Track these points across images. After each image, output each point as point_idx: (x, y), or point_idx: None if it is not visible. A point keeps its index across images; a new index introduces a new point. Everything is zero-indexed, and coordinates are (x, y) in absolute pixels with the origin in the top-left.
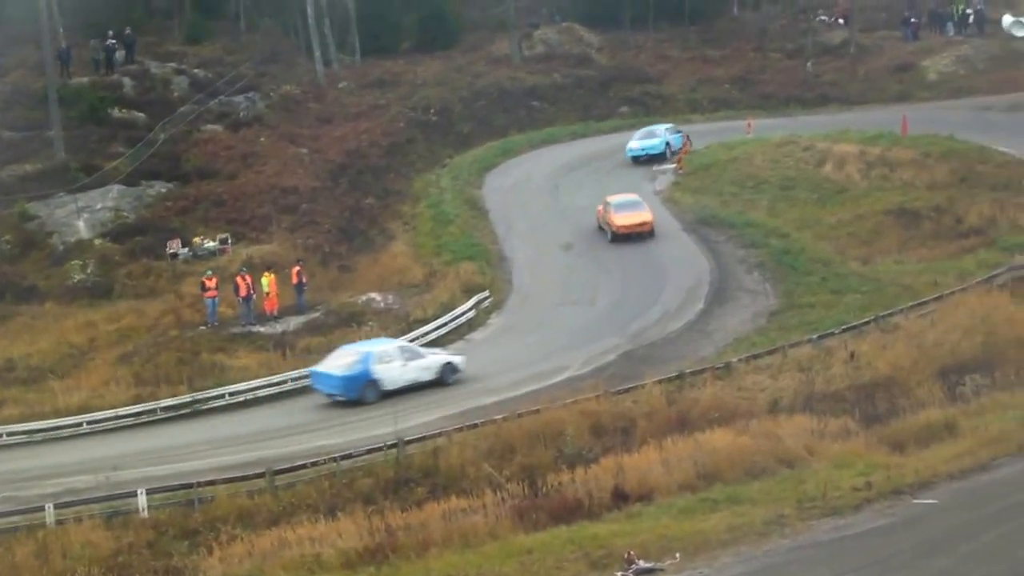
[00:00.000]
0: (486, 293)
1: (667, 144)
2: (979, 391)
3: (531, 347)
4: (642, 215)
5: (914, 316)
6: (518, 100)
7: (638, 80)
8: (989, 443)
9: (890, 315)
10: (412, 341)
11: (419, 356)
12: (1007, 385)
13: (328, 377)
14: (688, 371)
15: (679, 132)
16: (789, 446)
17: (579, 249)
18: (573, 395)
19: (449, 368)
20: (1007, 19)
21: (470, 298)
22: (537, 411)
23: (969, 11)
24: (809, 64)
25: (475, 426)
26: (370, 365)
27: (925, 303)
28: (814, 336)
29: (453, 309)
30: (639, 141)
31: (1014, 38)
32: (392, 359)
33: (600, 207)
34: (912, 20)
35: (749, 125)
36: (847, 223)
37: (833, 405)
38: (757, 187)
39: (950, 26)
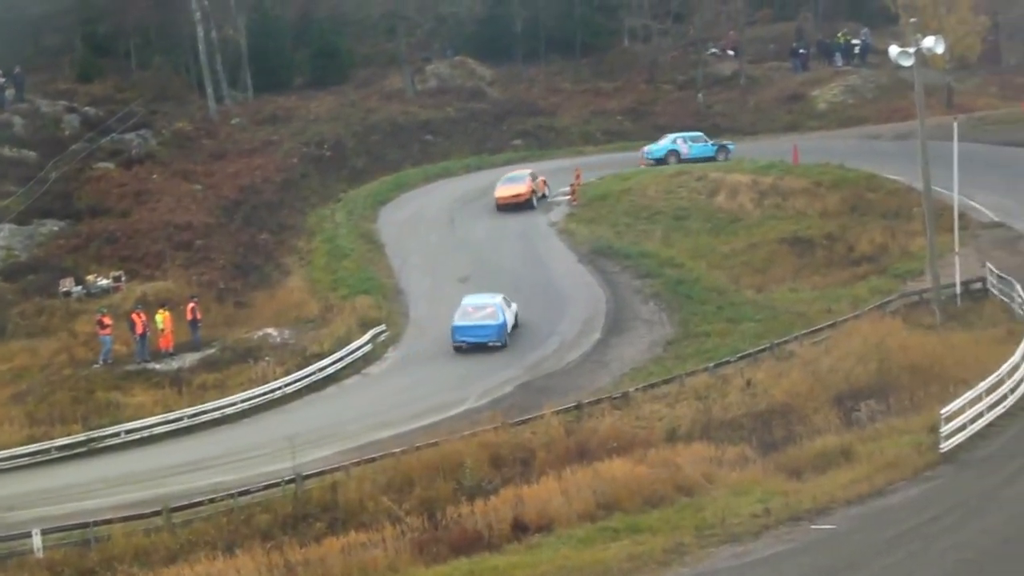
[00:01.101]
0: (382, 327)
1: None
2: (874, 417)
3: (429, 380)
4: (518, 187)
5: (809, 343)
6: (412, 134)
7: (531, 113)
8: (884, 468)
9: (785, 343)
10: (308, 376)
11: (510, 304)
12: (901, 410)
13: (482, 328)
14: (586, 401)
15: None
16: (687, 474)
17: (476, 281)
18: (471, 427)
19: (516, 315)
20: (894, 49)
21: (366, 332)
22: (436, 444)
23: (856, 42)
24: (700, 95)
25: (373, 460)
26: (504, 312)
27: (819, 330)
28: (710, 365)
29: (349, 343)
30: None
31: (901, 68)
32: (507, 306)
33: None
34: (801, 51)
35: (643, 157)
36: (741, 252)
37: (730, 433)
38: (651, 218)
39: (838, 57)
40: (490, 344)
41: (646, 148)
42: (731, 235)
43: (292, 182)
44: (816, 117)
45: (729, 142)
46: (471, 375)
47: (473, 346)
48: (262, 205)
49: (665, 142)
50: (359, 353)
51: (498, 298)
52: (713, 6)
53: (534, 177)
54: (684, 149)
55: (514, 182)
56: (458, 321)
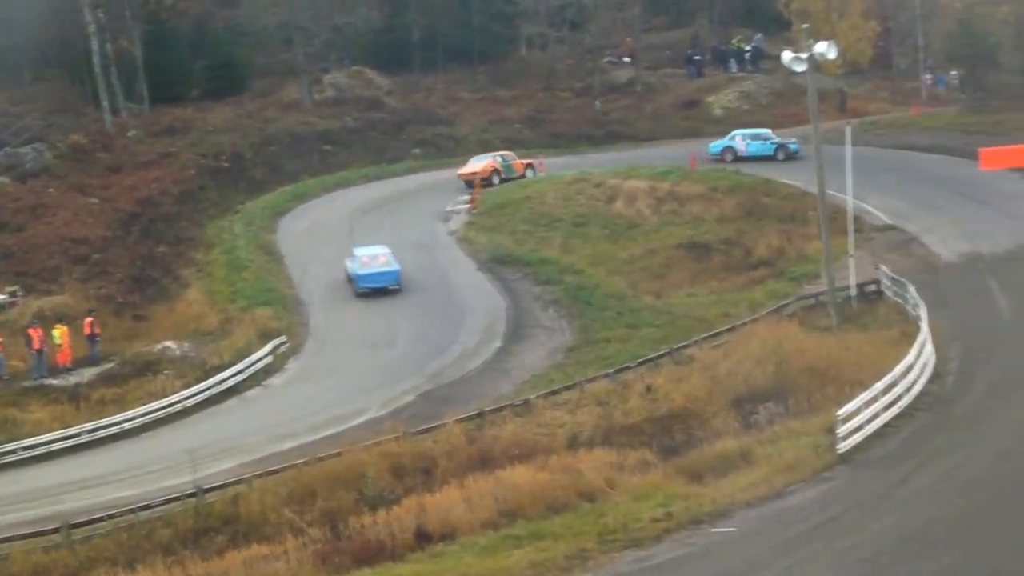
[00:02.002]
0: (283, 338)
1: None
2: (772, 419)
3: (330, 390)
4: (476, 167)
5: (708, 347)
6: (310, 145)
7: (430, 122)
8: (784, 470)
9: (684, 347)
10: (209, 389)
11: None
12: (799, 412)
13: (382, 275)
14: (488, 409)
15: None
16: (589, 480)
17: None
18: (373, 437)
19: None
20: (787, 55)
21: (266, 343)
22: (337, 454)
23: (749, 48)
24: (597, 103)
25: (275, 472)
26: (394, 258)
27: (718, 334)
28: (611, 371)
29: (250, 355)
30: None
31: (794, 73)
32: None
33: None
34: (696, 58)
35: (540, 164)
36: (639, 258)
37: (631, 438)
38: (550, 225)
39: (733, 63)
40: (390, 288)
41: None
42: (629, 241)
43: (190, 194)
44: (712, 123)
45: (792, 141)
46: (372, 385)
47: (375, 291)
48: (160, 218)
49: (726, 138)
50: (259, 365)
51: (386, 249)
52: (609, 14)
53: (507, 159)
54: (741, 146)
55: (478, 161)
56: (359, 271)
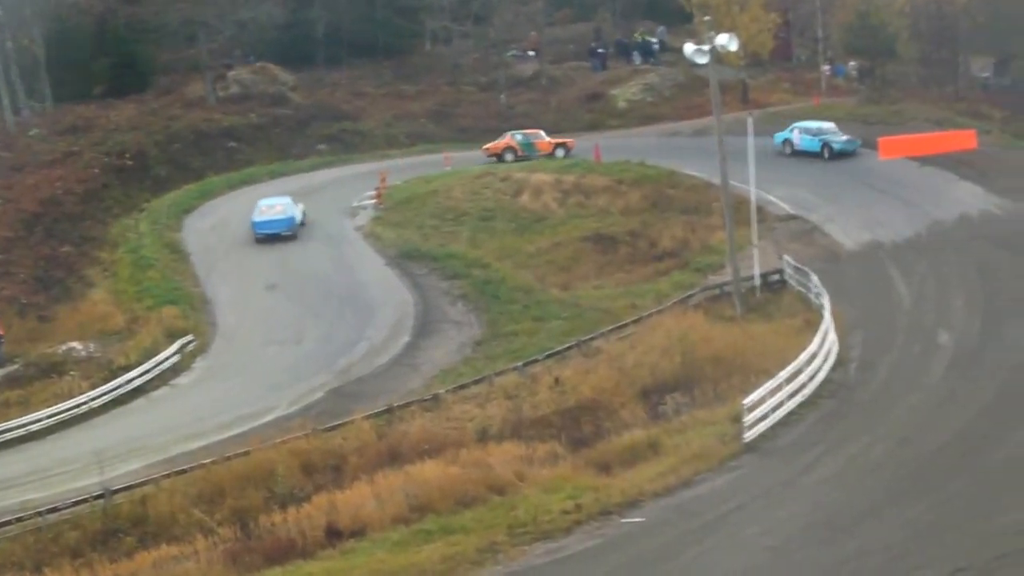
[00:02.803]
0: (190, 337)
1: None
2: (679, 409)
3: (238, 389)
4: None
5: (615, 339)
6: (215, 142)
7: (335, 118)
8: (691, 460)
9: (592, 339)
10: (115, 390)
11: (298, 203)
12: (705, 402)
13: (274, 223)
14: (396, 404)
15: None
16: (499, 473)
17: (283, 288)
18: (282, 435)
19: (305, 213)
20: (689, 47)
21: (174, 342)
22: (246, 453)
23: (652, 40)
24: (503, 97)
25: (184, 472)
26: (292, 209)
27: (625, 326)
28: (519, 364)
29: (157, 354)
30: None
31: (697, 65)
32: (295, 204)
33: None
34: (600, 51)
35: (447, 158)
36: (546, 251)
37: (541, 431)
38: (457, 219)
39: (636, 55)
40: (283, 234)
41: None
42: (536, 234)
43: (94, 193)
44: (616, 115)
45: (845, 138)
46: (281, 383)
47: (270, 237)
48: (63, 217)
49: (787, 129)
50: (167, 364)
51: (287, 199)
52: (513, 8)
53: (529, 137)
54: (796, 139)
55: (502, 138)
56: (256, 218)
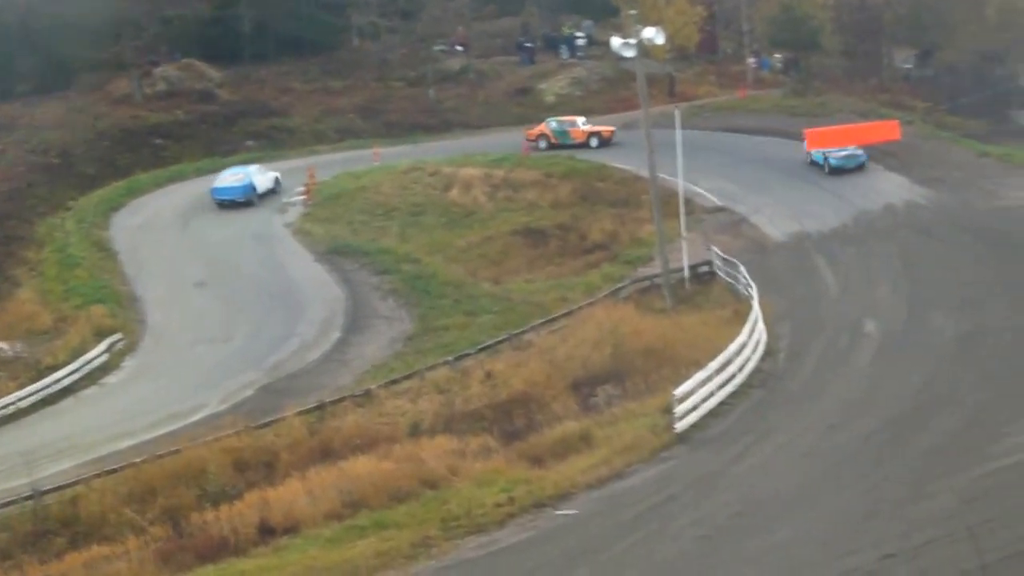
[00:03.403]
0: (118, 335)
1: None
2: (611, 401)
3: (168, 387)
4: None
5: (546, 332)
6: (141, 139)
7: (263, 114)
8: (623, 451)
9: (523, 333)
10: (43, 389)
11: (266, 171)
12: (637, 394)
13: (231, 189)
14: (328, 400)
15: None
16: (432, 468)
17: (212, 286)
18: (213, 432)
19: (278, 181)
20: (616, 41)
21: (102, 341)
22: (177, 451)
23: (579, 35)
24: (431, 91)
25: (114, 471)
26: (252, 177)
27: (555, 319)
28: (450, 358)
29: (85, 353)
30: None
31: (623, 59)
32: (258, 173)
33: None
34: (527, 45)
35: (376, 154)
36: (476, 245)
37: (473, 424)
38: (387, 214)
39: (564, 49)
40: (239, 200)
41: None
42: (466, 229)
43: (19, 192)
44: (545, 109)
45: (841, 155)
46: (211, 380)
47: (229, 202)
48: None
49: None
50: (96, 363)
51: (251, 167)
52: (440, 3)
53: (563, 125)
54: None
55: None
56: (216, 184)
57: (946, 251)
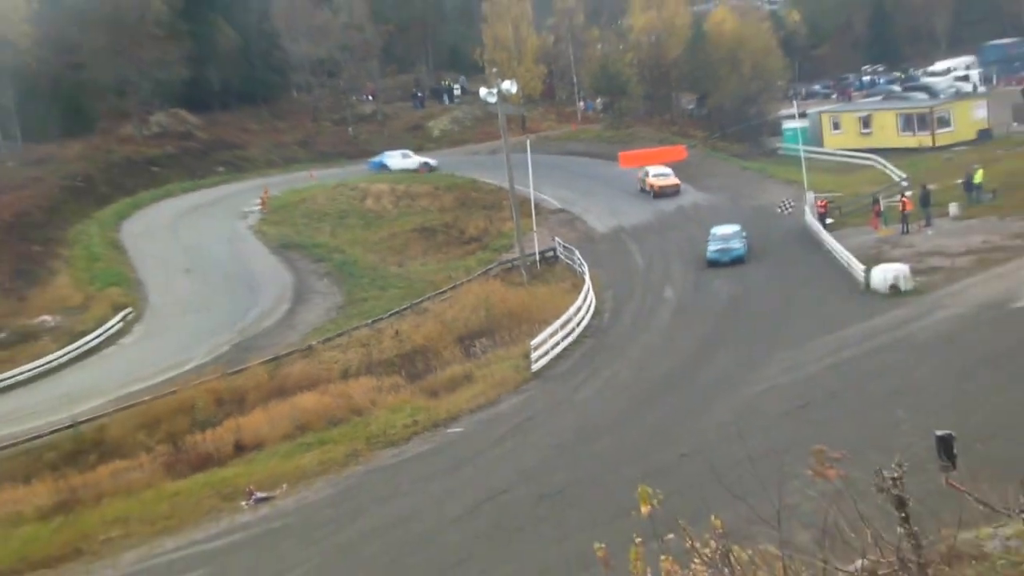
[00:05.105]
0: (129, 309)
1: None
2: (485, 350)
3: (166, 346)
4: (672, 179)
5: (438, 301)
6: (142, 167)
7: (229, 148)
8: (495, 386)
9: (421, 302)
10: (77, 349)
11: (411, 156)
12: (504, 344)
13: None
14: (282, 354)
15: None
16: (358, 400)
17: (195, 272)
18: (200, 378)
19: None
20: (483, 91)
21: (117, 314)
22: (174, 392)
23: (456, 87)
24: (350, 129)
25: (130, 407)
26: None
27: (444, 292)
28: (369, 321)
29: (106, 323)
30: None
31: (488, 103)
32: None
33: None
34: (419, 94)
35: (312, 175)
36: (386, 239)
37: (386, 368)
38: (321, 218)
39: (446, 97)
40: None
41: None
42: (378, 228)
43: (55, 207)
44: (433, 140)
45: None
46: (197, 341)
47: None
48: (33, 225)
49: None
50: (113, 330)
51: (399, 152)
52: (355, 65)
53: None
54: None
55: (666, 176)
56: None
57: None
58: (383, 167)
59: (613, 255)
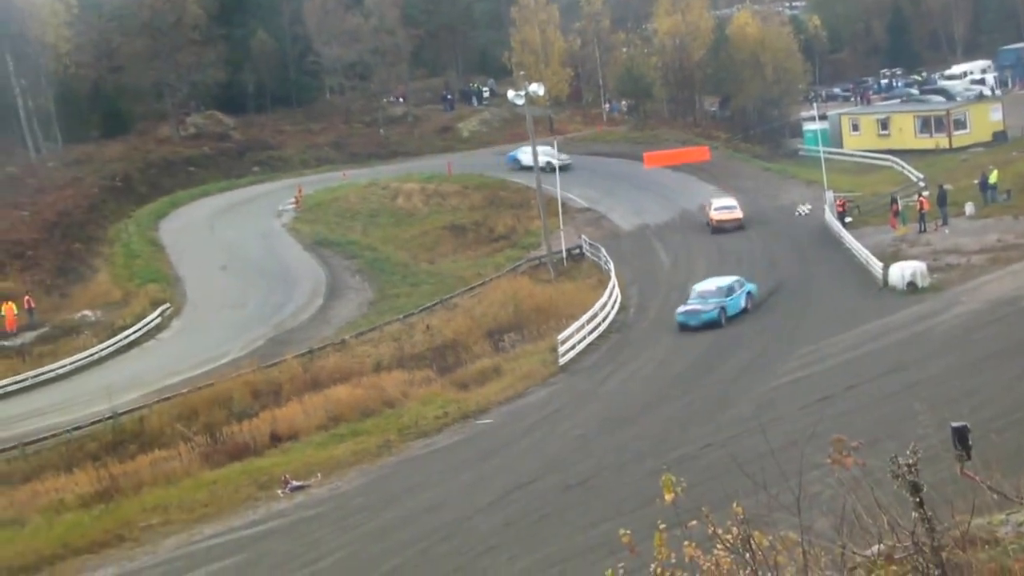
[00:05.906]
0: (168, 304)
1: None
2: (513, 344)
3: (203, 340)
4: (735, 213)
5: (467, 297)
6: (179, 167)
7: (264, 148)
8: (522, 378)
9: (451, 298)
10: (117, 343)
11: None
12: (532, 338)
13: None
14: (316, 347)
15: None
16: (390, 393)
17: (231, 269)
18: (236, 370)
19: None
20: (511, 93)
21: (156, 309)
22: (212, 384)
23: (485, 89)
24: (382, 130)
25: (168, 398)
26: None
27: (473, 288)
28: (401, 316)
29: (145, 318)
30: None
31: (516, 105)
32: (544, 155)
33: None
34: (449, 96)
35: (344, 175)
36: (416, 237)
37: (418, 362)
38: (353, 217)
39: (475, 99)
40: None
41: None
42: (409, 226)
43: (95, 206)
44: (462, 142)
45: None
46: (233, 335)
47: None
48: (74, 223)
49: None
50: (152, 324)
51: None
52: (387, 69)
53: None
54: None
55: (729, 210)
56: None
57: (745, 235)
58: (516, 161)
59: (638, 252)
